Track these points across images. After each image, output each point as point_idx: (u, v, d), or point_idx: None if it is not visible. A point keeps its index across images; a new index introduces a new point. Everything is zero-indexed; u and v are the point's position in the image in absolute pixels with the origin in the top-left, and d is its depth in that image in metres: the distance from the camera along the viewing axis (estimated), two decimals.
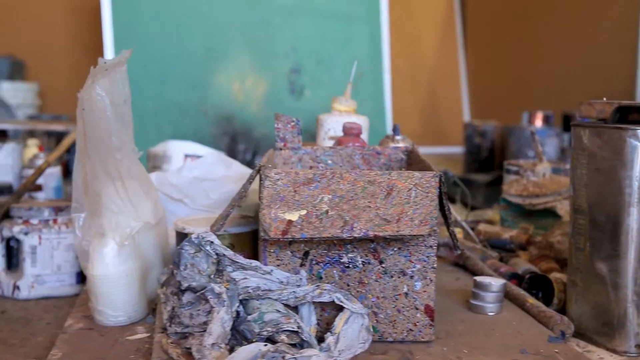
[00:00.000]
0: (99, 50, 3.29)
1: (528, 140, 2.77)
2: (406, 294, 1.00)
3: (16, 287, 1.36)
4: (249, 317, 0.94)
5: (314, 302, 0.98)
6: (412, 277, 0.99)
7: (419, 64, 4.29)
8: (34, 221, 1.37)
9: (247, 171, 1.38)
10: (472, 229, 1.58)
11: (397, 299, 1.00)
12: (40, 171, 1.57)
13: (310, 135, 3.15)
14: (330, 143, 1.51)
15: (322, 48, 3.10)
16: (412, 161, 1.21)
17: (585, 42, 3.26)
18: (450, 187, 1.77)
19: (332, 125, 1.52)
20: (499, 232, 1.49)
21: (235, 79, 2.98)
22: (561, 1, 3.47)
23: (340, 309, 0.98)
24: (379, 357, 0.91)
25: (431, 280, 1.00)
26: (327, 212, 0.95)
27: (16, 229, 1.36)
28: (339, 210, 0.95)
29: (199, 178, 1.30)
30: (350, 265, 1.00)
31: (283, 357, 0.86)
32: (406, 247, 0.99)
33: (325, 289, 0.96)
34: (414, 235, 0.93)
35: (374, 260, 1.00)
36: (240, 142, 3.00)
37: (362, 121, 1.51)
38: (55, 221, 1.38)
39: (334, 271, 1.00)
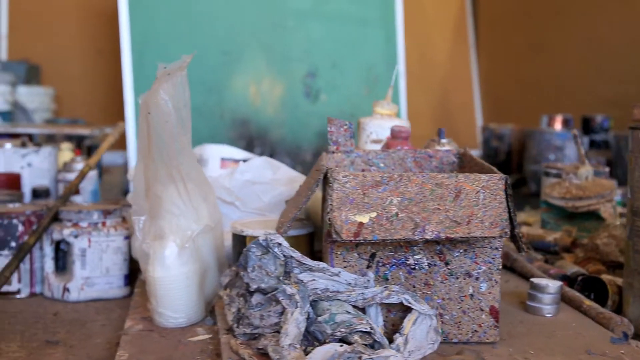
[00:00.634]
0: (112, 54, 3.31)
1: (549, 144, 2.78)
2: (471, 295, 1.01)
3: (66, 290, 1.38)
4: (320, 318, 0.95)
5: (380, 304, 0.99)
6: (477, 278, 1.01)
7: (431, 67, 4.31)
8: (84, 224, 1.38)
9: (294, 174, 1.40)
10: None
11: (462, 301, 1.01)
12: (82, 175, 1.59)
13: (326, 138, 3.17)
14: (373, 146, 1.52)
15: (337, 51, 3.12)
16: (465, 164, 1.23)
17: (600, 45, 3.27)
18: None
19: (374, 129, 1.53)
20: (542, 234, 1.51)
21: (251, 82, 3.00)
22: (574, 4, 3.48)
23: (407, 310, 0.99)
24: (455, 357, 0.93)
25: (496, 282, 1.01)
26: (397, 214, 0.96)
27: (66, 232, 1.37)
28: (408, 212, 0.96)
29: (251, 181, 1.32)
30: (416, 267, 1.01)
31: (360, 358, 0.87)
32: (472, 248, 1.00)
33: (393, 290, 0.97)
34: (485, 238, 0.94)
35: (439, 262, 1.01)
36: (256, 145, 3.01)
37: (404, 125, 1.52)
38: (104, 224, 1.40)
39: (400, 273, 1.01)
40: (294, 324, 0.91)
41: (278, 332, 0.96)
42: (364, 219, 0.95)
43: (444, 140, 1.41)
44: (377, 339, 0.93)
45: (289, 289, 0.95)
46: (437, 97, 4.30)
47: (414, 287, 1.02)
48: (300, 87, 3.07)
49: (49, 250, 1.39)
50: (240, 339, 1.00)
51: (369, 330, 0.92)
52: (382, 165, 1.26)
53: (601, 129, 2.90)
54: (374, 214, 0.96)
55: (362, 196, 0.97)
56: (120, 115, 3.17)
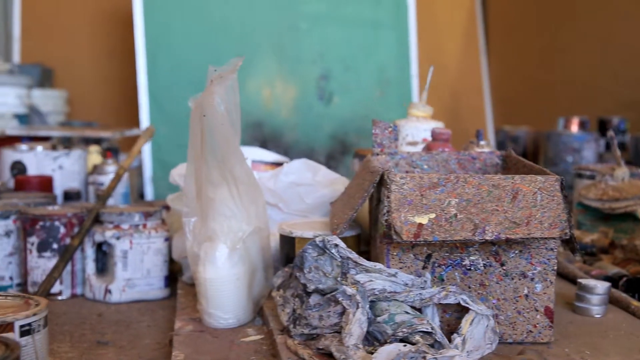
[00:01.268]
0: (125, 57, 3.32)
1: (566, 146, 2.80)
2: (526, 295, 1.02)
3: (108, 291, 1.38)
4: (379, 319, 0.96)
5: (436, 304, 1.00)
6: (532, 279, 1.02)
7: (442, 70, 4.31)
8: (125, 226, 1.39)
9: (334, 176, 1.40)
10: None
11: (517, 301, 1.02)
12: (119, 177, 1.59)
13: (339, 140, 3.19)
14: (409, 148, 1.53)
15: (350, 54, 3.13)
16: (510, 165, 1.23)
17: (614, 47, 3.29)
18: None
19: (410, 131, 1.54)
20: (580, 235, 1.52)
21: (265, 85, 3.01)
22: (588, 7, 3.50)
23: (462, 311, 1.00)
24: (518, 357, 0.93)
25: (551, 283, 1.02)
26: (455, 215, 0.97)
27: (108, 234, 1.38)
28: (467, 213, 0.97)
29: (295, 183, 1.33)
30: (472, 268, 1.02)
31: (424, 357, 0.88)
32: (527, 249, 1.01)
33: (450, 291, 0.98)
34: (545, 238, 0.95)
35: (495, 263, 1.02)
36: (270, 148, 3.02)
37: (439, 127, 1.53)
38: (144, 226, 1.40)
39: (456, 273, 1.02)
40: (357, 324, 0.92)
41: (338, 332, 0.97)
42: (423, 220, 0.96)
43: (482, 142, 1.42)
44: (437, 339, 0.93)
45: (349, 290, 0.96)
46: (447, 100, 4.31)
47: (470, 287, 1.02)
48: (314, 90, 3.09)
49: (90, 252, 1.40)
50: (297, 339, 1.01)
51: (430, 330, 0.93)
52: (425, 167, 1.27)
53: (618, 130, 2.91)
54: (432, 215, 0.97)
55: (419, 197, 0.98)
56: (132, 118, 3.18)
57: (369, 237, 1.25)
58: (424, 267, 1.02)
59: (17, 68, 3.35)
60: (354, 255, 1.01)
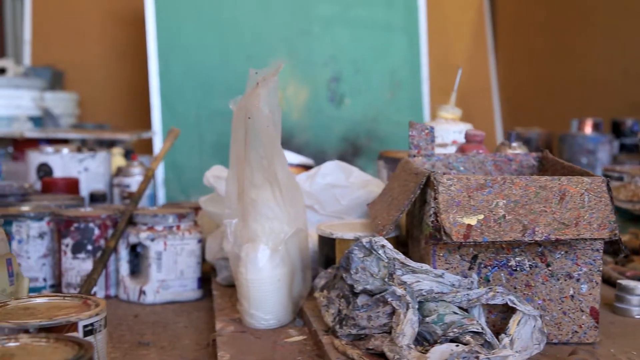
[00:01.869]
0: (136, 59, 3.32)
1: (581, 147, 2.80)
2: (572, 296, 1.03)
3: (142, 292, 1.39)
4: (427, 319, 0.96)
5: (482, 305, 1.00)
6: (578, 280, 1.02)
7: (451, 72, 4.32)
8: (159, 227, 1.40)
9: (367, 177, 1.41)
10: None
11: (563, 302, 1.03)
12: (148, 179, 1.60)
13: (350, 142, 3.19)
14: (438, 150, 1.53)
15: (361, 57, 3.14)
16: (547, 167, 1.24)
17: (626, 48, 3.29)
18: None
19: (439, 133, 1.55)
20: None
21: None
22: (599, 7, 3.50)
23: (508, 311, 1.00)
24: (571, 357, 0.94)
25: (597, 283, 1.02)
26: (504, 216, 0.97)
27: (143, 235, 1.38)
28: (515, 214, 0.97)
29: (331, 184, 1.33)
30: (518, 269, 1.03)
31: (477, 357, 0.89)
32: (573, 250, 1.01)
33: (497, 292, 0.99)
34: (595, 239, 0.96)
35: (541, 264, 1.02)
36: None
37: (468, 128, 1.54)
38: (178, 227, 1.41)
39: (502, 274, 1.03)
40: (409, 325, 0.93)
41: (387, 332, 0.97)
42: (472, 221, 0.97)
43: (514, 144, 1.43)
44: (487, 339, 0.94)
45: (399, 290, 0.96)
46: (456, 102, 4.32)
47: (515, 288, 1.03)
48: (325, 92, 3.09)
49: (124, 253, 1.40)
50: (344, 339, 1.01)
51: (480, 330, 0.93)
52: (462, 168, 1.28)
53: (631, 132, 2.92)
54: (481, 216, 0.97)
55: (467, 199, 0.98)
56: (143, 120, 3.18)
57: (407, 238, 1.25)
58: (470, 268, 1.03)
59: (28, 70, 3.36)
60: (400, 256, 1.02)
